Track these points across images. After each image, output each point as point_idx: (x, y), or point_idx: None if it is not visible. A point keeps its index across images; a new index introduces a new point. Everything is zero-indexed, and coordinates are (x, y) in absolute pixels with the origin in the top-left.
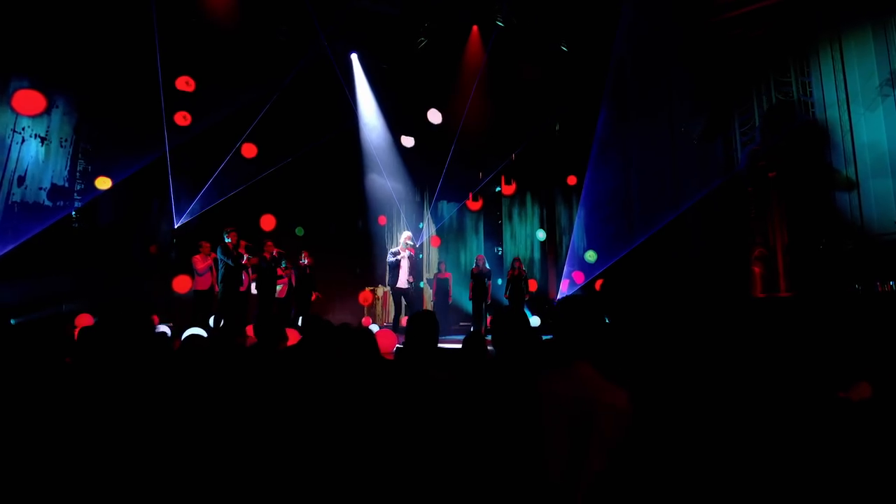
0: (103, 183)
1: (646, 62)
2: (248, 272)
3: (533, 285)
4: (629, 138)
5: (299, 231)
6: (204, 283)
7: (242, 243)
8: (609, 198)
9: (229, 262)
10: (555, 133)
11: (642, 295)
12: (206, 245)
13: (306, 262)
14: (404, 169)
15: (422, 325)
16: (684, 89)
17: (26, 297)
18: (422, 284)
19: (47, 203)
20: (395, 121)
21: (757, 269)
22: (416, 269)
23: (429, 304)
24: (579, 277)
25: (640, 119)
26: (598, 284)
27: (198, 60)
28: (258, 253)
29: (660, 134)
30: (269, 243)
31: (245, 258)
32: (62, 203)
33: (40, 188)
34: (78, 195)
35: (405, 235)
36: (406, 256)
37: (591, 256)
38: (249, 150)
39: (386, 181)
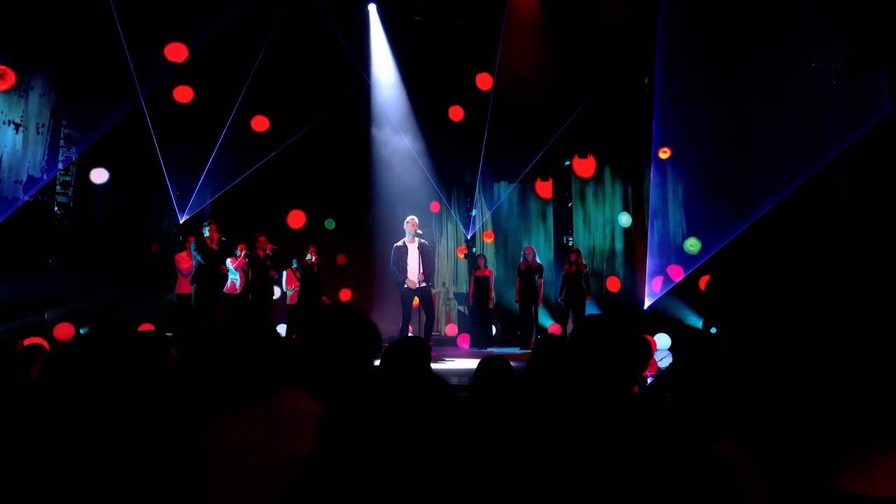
0: (100, 175)
1: None
2: (245, 273)
3: (614, 284)
4: (746, 84)
5: (329, 224)
6: (188, 286)
7: (217, 237)
8: (717, 166)
9: (200, 258)
10: (643, 88)
11: (769, 293)
12: (193, 241)
13: (313, 259)
14: (450, 144)
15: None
16: (820, 11)
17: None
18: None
19: (25, 198)
20: (436, 86)
21: None
22: (430, 262)
23: (454, 308)
24: (676, 273)
25: (761, 57)
26: (702, 282)
27: (187, 25)
28: (252, 251)
29: (792, 73)
30: (263, 238)
31: (241, 255)
32: (43, 198)
33: (16, 181)
34: (61, 188)
35: (411, 222)
36: (415, 247)
37: (692, 246)
38: (260, 124)
39: (420, 160)
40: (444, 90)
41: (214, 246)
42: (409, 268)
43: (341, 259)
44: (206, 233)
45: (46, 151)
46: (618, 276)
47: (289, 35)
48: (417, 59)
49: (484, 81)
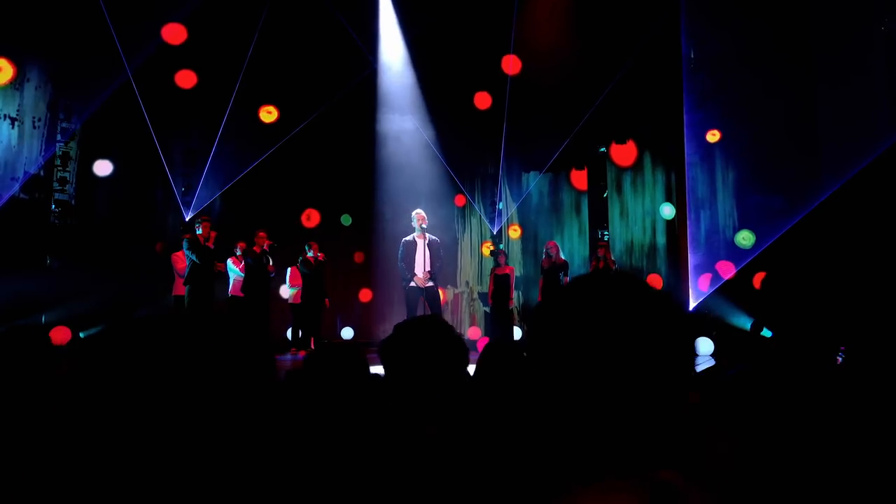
0: (103, 168)
1: None
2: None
3: (655, 282)
4: (807, 52)
5: (346, 219)
6: (184, 287)
7: (213, 234)
8: (774, 147)
9: (195, 258)
10: (690, 63)
11: (835, 292)
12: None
13: (317, 257)
14: (470, 133)
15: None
16: None
17: None
18: None
19: (14, 189)
20: (452, 69)
21: None
22: (440, 260)
23: (479, 309)
24: (727, 270)
25: (825, 21)
26: (756, 279)
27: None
28: (249, 247)
29: (862, 37)
30: (262, 234)
31: (239, 256)
32: (39, 195)
33: (12, 178)
34: (59, 185)
35: (418, 216)
36: (424, 243)
37: (746, 239)
38: (268, 114)
39: (437, 151)
40: (461, 73)
41: (211, 244)
42: (416, 264)
43: (359, 257)
44: (199, 230)
45: (43, 147)
46: (660, 274)
47: (288, 16)
48: (430, 40)
49: (510, 64)
